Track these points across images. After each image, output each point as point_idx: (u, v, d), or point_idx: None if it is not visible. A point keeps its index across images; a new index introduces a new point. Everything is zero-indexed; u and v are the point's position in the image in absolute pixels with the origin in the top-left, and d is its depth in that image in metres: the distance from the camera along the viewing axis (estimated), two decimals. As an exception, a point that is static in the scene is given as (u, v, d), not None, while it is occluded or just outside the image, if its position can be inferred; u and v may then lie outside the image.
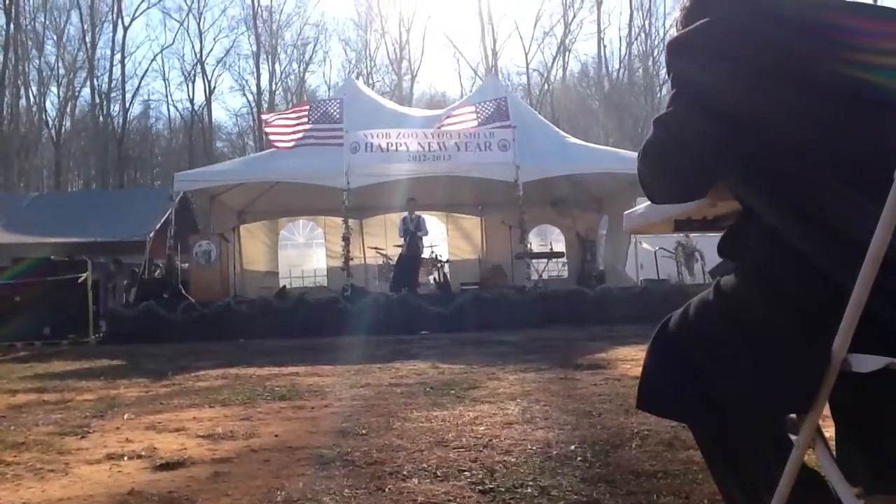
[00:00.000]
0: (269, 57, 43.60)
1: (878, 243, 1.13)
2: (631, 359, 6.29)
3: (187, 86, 43.70)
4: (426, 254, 14.07)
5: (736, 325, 1.41)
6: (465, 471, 2.61)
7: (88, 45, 40.29)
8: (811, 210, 1.28)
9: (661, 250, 14.00)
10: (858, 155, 1.27)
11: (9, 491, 2.55)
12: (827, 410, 1.37)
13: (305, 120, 13.36)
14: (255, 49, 43.12)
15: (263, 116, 15.98)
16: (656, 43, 42.45)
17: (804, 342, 1.30)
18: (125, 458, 3.00)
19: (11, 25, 37.50)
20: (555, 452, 2.85)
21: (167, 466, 2.83)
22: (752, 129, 1.34)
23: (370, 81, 40.47)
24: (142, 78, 42.61)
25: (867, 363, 1.19)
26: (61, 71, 41.11)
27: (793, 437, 1.38)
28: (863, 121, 1.28)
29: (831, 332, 1.23)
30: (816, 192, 1.28)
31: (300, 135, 13.32)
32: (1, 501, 2.40)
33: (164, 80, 46.11)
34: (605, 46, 43.35)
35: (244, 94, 45.10)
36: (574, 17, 42.56)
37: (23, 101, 39.95)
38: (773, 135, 1.33)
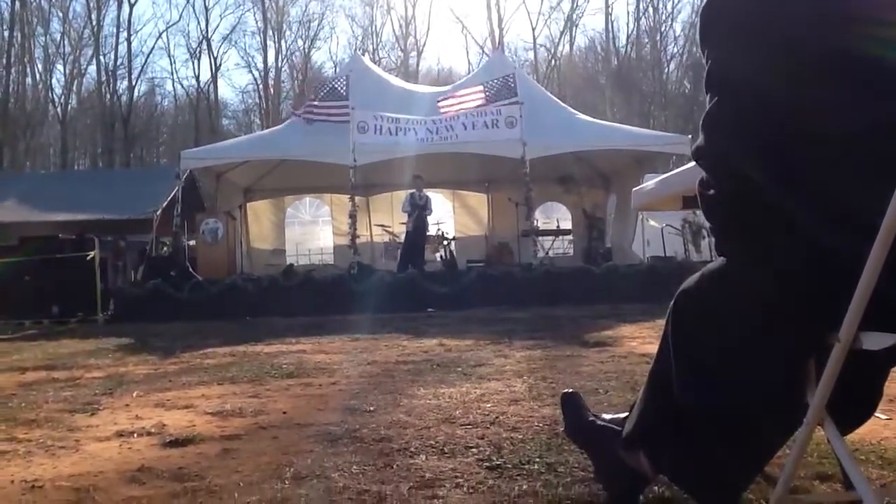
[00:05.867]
0: (276, 33, 43.33)
1: (890, 222, 1.11)
2: (637, 336, 6.29)
3: (193, 63, 43.58)
4: (432, 231, 14.06)
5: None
6: (472, 447, 2.62)
7: (94, 22, 40.08)
8: (820, 190, 1.26)
9: (667, 227, 13.93)
10: (868, 134, 1.24)
11: (20, 467, 2.57)
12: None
13: (313, 97, 13.38)
14: (261, 25, 42.86)
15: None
16: (664, 18, 42.05)
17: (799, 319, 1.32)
18: (135, 435, 3.03)
19: (17, 3, 37.32)
20: (561, 429, 2.85)
21: (176, 443, 2.85)
22: (765, 108, 1.32)
23: (376, 58, 40.14)
24: (148, 55, 42.44)
25: (878, 340, 1.19)
26: (67, 49, 40.94)
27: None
28: (871, 99, 1.25)
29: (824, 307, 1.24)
30: (825, 173, 1.26)
31: (308, 112, 13.37)
32: (13, 478, 2.43)
33: (170, 58, 45.99)
34: (612, 21, 42.89)
35: (250, 71, 44.96)
36: (582, -9, 42.08)
37: (29, 79, 39.87)
38: (784, 114, 1.31)
